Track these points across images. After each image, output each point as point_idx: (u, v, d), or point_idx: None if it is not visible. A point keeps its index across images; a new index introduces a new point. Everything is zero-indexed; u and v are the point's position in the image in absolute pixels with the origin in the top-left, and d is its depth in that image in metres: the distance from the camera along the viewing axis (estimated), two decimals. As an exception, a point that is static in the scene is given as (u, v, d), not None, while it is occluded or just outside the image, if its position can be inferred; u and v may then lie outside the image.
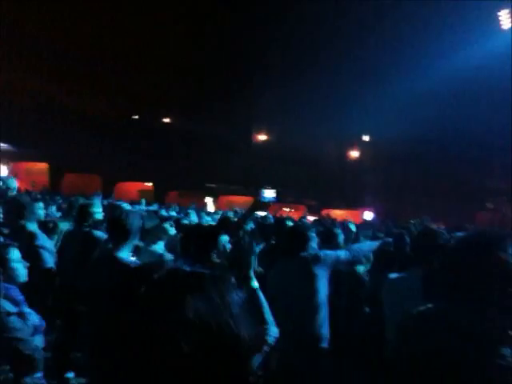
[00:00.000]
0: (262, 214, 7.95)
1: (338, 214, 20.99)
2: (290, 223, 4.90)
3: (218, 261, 2.52)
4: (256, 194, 4.62)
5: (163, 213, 7.85)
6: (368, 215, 19.70)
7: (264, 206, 4.42)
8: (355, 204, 23.30)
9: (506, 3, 12.54)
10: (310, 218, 13.99)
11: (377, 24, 15.56)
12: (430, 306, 1.89)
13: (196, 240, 2.60)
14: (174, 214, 9.11)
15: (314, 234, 3.75)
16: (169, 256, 3.87)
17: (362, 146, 26.14)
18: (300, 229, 3.71)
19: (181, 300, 0.78)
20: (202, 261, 2.39)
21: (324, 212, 18.79)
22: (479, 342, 1.46)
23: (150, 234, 4.12)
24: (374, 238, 5.80)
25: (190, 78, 21.35)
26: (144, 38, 19.33)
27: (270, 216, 8.56)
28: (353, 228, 6.58)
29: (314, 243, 3.66)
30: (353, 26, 16.12)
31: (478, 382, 1.45)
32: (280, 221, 5.58)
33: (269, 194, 4.28)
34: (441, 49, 14.12)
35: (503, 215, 14.91)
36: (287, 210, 22.73)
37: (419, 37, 13.95)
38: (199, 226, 3.92)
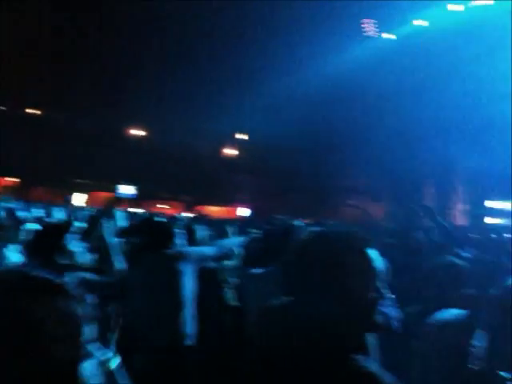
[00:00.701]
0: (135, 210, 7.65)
1: (213, 210, 21.14)
2: (158, 219, 4.76)
3: (67, 262, 2.33)
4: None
5: (22, 211, 7.18)
6: (243, 212, 20.11)
7: (117, 201, 4.24)
8: (232, 201, 23.65)
9: (372, 11, 13.49)
10: (186, 215, 13.88)
11: (253, 22, 15.89)
12: (284, 299, 1.91)
13: (39, 240, 2.38)
14: (36, 212, 8.38)
15: (179, 231, 3.68)
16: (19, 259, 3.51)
17: (239, 143, 26.60)
18: (164, 225, 3.62)
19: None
20: (49, 263, 2.18)
21: (198, 208, 18.79)
22: (324, 337, 1.49)
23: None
24: (244, 233, 5.88)
25: (56, 66, 19.92)
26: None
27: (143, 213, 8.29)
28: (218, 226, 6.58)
29: (179, 240, 3.58)
30: (228, 22, 16.30)
31: (327, 375, 1.48)
32: (145, 218, 5.41)
33: (125, 189, 4.10)
34: (312, 52, 14.81)
35: (363, 212, 16.18)
36: (162, 206, 22.36)
37: (293, 39, 14.53)
38: (45, 224, 3.60)
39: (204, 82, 18.01)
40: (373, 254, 1.76)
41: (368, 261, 1.66)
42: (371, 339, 1.94)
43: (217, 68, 17.68)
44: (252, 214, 17.66)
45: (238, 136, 25.36)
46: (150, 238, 3.59)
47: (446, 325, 2.43)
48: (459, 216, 16.15)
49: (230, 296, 3.63)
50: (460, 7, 11.50)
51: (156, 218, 4.41)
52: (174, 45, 18.20)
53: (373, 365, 1.36)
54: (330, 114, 15.78)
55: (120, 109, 21.89)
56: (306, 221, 10.51)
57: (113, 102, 20.87)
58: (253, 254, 4.10)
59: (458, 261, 2.89)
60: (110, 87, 20.02)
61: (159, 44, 18.78)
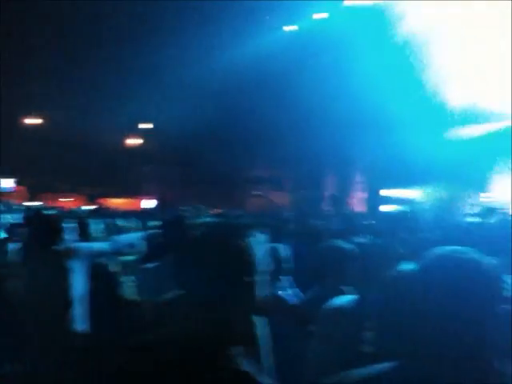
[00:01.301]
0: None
1: (117, 202, 20.39)
2: (46, 213, 4.42)
3: None
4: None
5: None
6: (148, 203, 19.61)
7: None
8: (137, 192, 22.96)
9: (275, 4, 13.58)
10: (87, 208, 13.21)
11: (159, 12, 15.38)
12: (175, 292, 1.85)
13: None
14: None
15: (71, 225, 3.43)
16: None
17: (144, 132, 25.79)
18: (51, 219, 3.35)
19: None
20: None
21: (101, 201, 18.01)
22: (209, 326, 1.45)
23: None
24: (146, 226, 5.68)
25: None
26: None
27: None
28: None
29: (69, 235, 3.34)
30: (134, 10, 15.66)
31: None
32: (33, 212, 5.02)
33: (5, 183, 3.76)
34: (217, 43, 14.69)
35: (268, 201, 16.50)
36: (63, 199, 21.17)
37: (198, 30, 14.29)
38: None
39: (107, 70, 17.19)
40: (269, 240, 1.80)
41: (244, 248, 1.70)
42: (262, 323, 1.92)
43: (121, 56, 16.95)
44: (158, 205, 17.28)
45: (143, 125, 24.58)
46: (36, 232, 3.31)
47: (338, 310, 2.49)
48: (357, 204, 17.03)
49: (124, 292, 3.46)
50: (356, 2, 12.02)
51: (45, 212, 4.09)
52: (76, 30, 17.15)
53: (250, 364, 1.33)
54: (235, 105, 15.81)
55: (14, 95, 20.23)
56: (213, 211, 10.50)
57: (6, 87, 19.22)
58: (151, 248, 3.95)
59: (345, 245, 2.96)
60: (3, 73, 18.42)
61: (59, 28, 17.58)
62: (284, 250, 3.35)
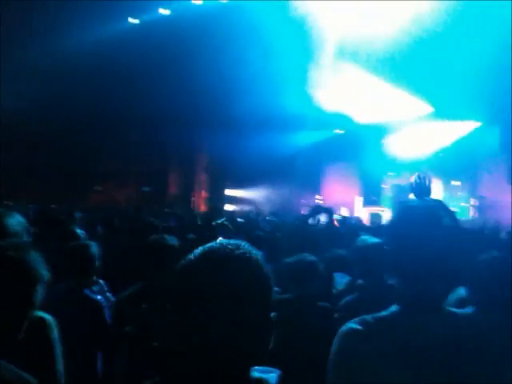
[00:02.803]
0: None
1: None
2: None
3: None
4: None
5: None
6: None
7: None
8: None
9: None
10: None
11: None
12: None
13: None
14: None
15: None
16: None
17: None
18: None
19: None
20: None
21: None
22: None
23: None
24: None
25: None
26: None
27: None
28: None
29: None
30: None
31: None
32: None
33: None
34: (63, 29, 13.48)
35: (109, 196, 15.77)
36: None
37: (44, 16, 12.92)
38: None
39: None
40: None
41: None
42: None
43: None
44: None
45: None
46: None
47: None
48: (201, 203, 17.19)
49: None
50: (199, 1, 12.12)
51: None
52: None
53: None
54: (77, 96, 14.75)
55: None
56: (55, 206, 9.63)
57: None
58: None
59: (169, 240, 2.92)
60: None
61: None
62: (96, 247, 3.15)
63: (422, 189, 1.50)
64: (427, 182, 1.53)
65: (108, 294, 3.25)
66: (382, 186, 18.22)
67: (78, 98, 14.74)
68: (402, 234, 1.44)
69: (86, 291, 2.97)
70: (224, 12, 11.66)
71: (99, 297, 2.97)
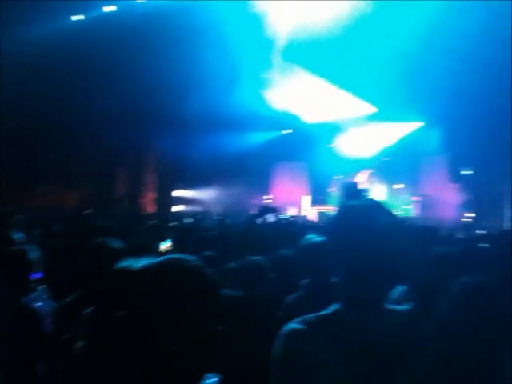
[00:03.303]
0: None
1: None
2: None
3: None
4: None
5: None
6: None
7: None
8: None
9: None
10: None
11: None
12: None
13: None
14: None
15: None
16: None
17: None
18: None
19: None
20: None
21: None
22: None
23: None
24: None
25: None
26: None
27: None
28: None
29: None
30: None
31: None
32: None
33: None
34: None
35: (53, 198, 15.20)
36: None
37: None
38: None
39: None
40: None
41: None
42: None
43: None
44: None
45: None
46: None
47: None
48: (149, 204, 16.87)
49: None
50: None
51: None
52: None
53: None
54: (20, 95, 14.11)
55: None
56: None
57: None
58: None
59: (114, 243, 2.83)
60: None
61: None
62: (35, 251, 3.01)
63: (353, 192, 1.54)
64: (356, 187, 1.57)
65: (49, 300, 3.12)
66: (330, 185, 18.59)
67: (18, 97, 14.12)
68: (342, 232, 1.47)
69: (24, 299, 2.83)
70: (172, 10, 11.50)
71: (39, 304, 2.83)
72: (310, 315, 1.42)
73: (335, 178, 18.45)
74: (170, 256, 1.08)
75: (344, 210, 1.51)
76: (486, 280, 1.97)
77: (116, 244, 2.87)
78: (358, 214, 1.45)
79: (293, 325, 1.40)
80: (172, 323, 0.99)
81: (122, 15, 11.70)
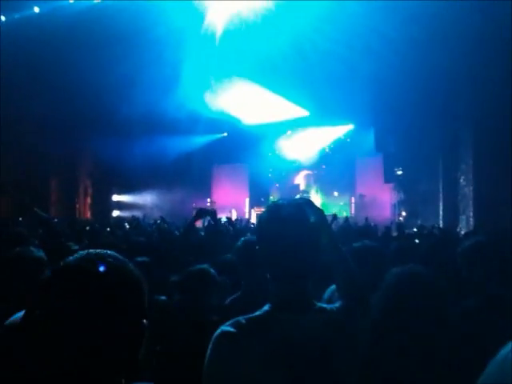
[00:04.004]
0: None
1: None
2: None
3: None
4: None
5: None
6: None
7: None
8: None
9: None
10: None
11: None
12: None
13: None
14: None
15: None
16: None
17: None
18: None
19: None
20: None
21: None
22: None
23: None
24: None
25: None
26: None
27: None
28: None
29: None
30: None
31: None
32: None
33: None
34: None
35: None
36: None
37: None
38: None
39: None
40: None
41: None
42: None
43: None
44: None
45: None
46: None
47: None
48: (86, 209, 16.32)
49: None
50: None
51: None
52: None
53: None
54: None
55: None
56: None
57: None
58: None
59: (36, 253, 2.67)
60: None
61: None
62: None
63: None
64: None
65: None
66: (270, 186, 18.79)
67: None
68: (266, 231, 1.46)
69: None
70: (103, 12, 11.19)
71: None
72: (241, 317, 1.41)
73: (275, 180, 18.70)
74: (86, 251, 1.03)
75: (270, 209, 1.50)
76: (419, 268, 2.03)
77: (39, 253, 2.71)
78: (286, 213, 1.44)
79: (224, 327, 1.38)
80: (88, 319, 0.94)
81: (52, 16, 11.22)
